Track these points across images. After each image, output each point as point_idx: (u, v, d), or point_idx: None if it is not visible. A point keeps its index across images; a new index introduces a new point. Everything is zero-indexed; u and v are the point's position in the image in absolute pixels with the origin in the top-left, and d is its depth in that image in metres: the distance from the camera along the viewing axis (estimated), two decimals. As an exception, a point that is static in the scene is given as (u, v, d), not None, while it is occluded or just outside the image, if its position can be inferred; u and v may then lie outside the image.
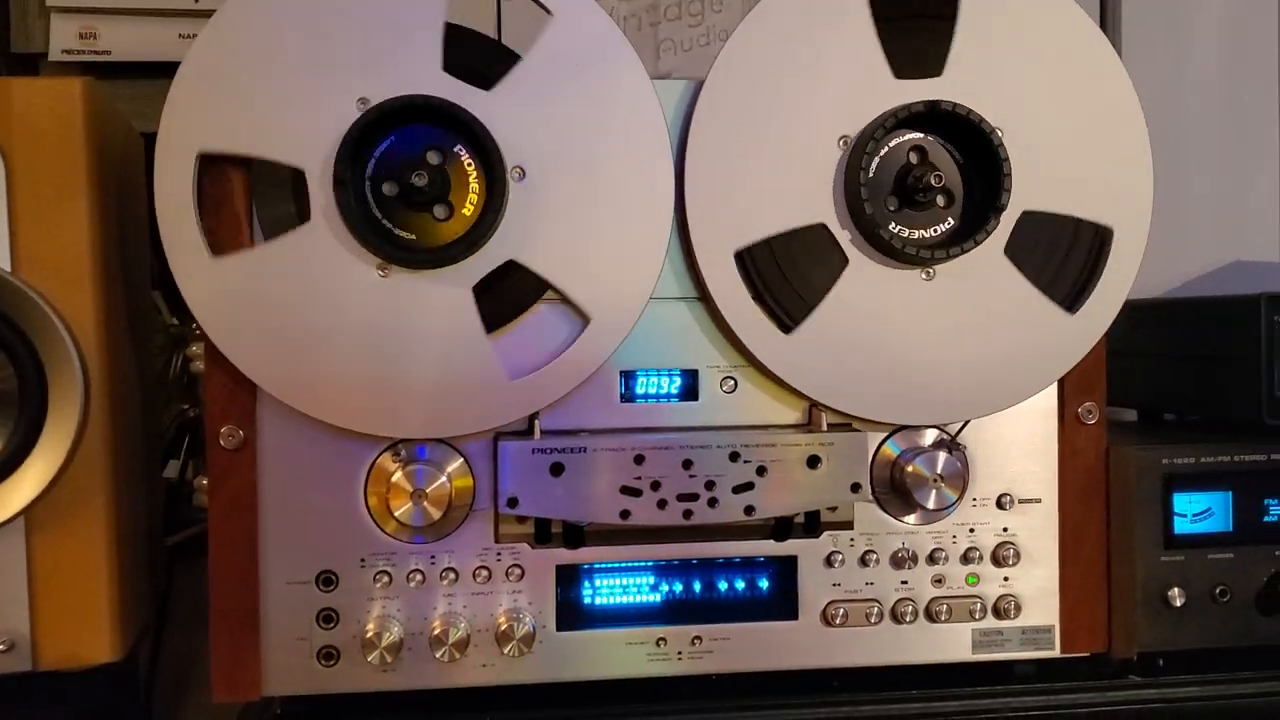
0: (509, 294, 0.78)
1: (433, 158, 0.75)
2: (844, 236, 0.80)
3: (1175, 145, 1.42)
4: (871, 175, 0.79)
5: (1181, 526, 0.85)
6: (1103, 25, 1.42)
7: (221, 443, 0.77)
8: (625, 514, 0.77)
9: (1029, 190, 0.80)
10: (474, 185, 0.76)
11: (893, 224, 0.79)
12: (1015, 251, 0.81)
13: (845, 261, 0.80)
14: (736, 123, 0.79)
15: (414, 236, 0.76)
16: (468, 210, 0.76)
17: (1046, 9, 0.82)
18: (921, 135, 0.81)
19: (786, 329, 0.79)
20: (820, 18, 0.79)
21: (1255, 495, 0.86)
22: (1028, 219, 0.81)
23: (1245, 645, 0.86)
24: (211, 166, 0.75)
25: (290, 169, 0.74)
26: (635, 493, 0.77)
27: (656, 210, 0.78)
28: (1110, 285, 0.82)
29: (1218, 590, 0.85)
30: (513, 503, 0.77)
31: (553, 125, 0.76)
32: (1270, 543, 0.86)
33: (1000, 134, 0.78)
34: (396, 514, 0.77)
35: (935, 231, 0.81)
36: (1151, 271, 1.38)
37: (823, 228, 0.79)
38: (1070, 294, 0.82)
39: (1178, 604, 0.84)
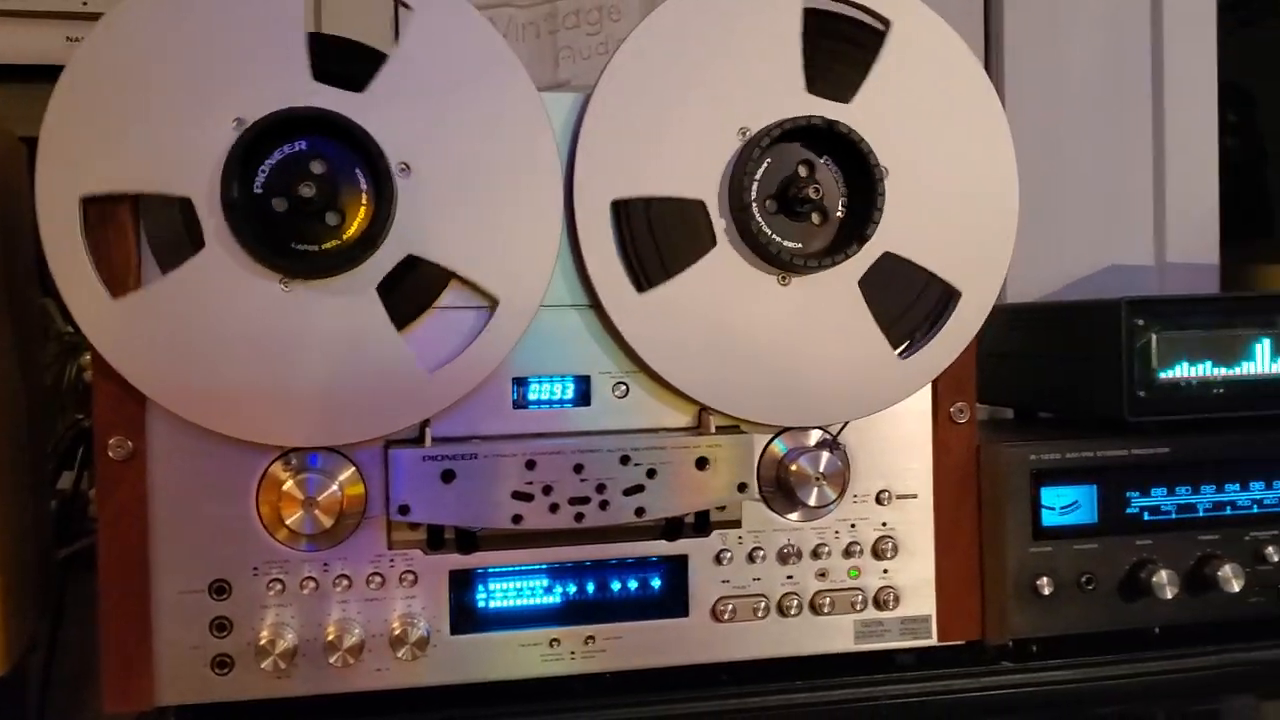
0: (413, 291, 0.79)
1: (317, 167, 0.76)
2: (719, 223, 0.82)
3: (1055, 154, 1.47)
4: (759, 176, 0.82)
5: (1049, 519, 0.90)
6: (986, 36, 1.48)
7: (110, 453, 0.77)
8: (517, 518, 0.79)
9: (897, 234, 0.84)
10: (363, 187, 0.77)
11: (766, 225, 0.82)
12: (868, 285, 0.84)
13: (713, 243, 0.82)
14: (628, 128, 0.81)
15: (314, 246, 0.77)
16: (361, 213, 0.77)
17: (958, 73, 0.86)
18: (814, 154, 0.84)
19: (641, 288, 0.81)
20: (752, 7, 0.82)
21: (1118, 489, 0.91)
22: (888, 260, 0.84)
23: (1110, 630, 0.91)
24: (95, 207, 0.75)
25: (177, 198, 0.75)
26: (527, 497, 0.79)
27: (545, 212, 0.79)
28: (946, 341, 0.86)
29: (1084, 579, 0.90)
30: (404, 510, 0.78)
31: (430, 120, 0.77)
32: (1132, 533, 0.91)
33: (885, 172, 0.82)
34: (288, 522, 0.78)
35: (803, 245, 0.83)
36: (1031, 275, 1.46)
37: (701, 205, 0.82)
38: (906, 340, 0.86)
39: (1046, 592, 0.88)
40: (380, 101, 0.77)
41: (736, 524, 0.86)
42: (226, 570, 0.79)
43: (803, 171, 0.83)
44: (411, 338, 0.79)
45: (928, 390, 0.89)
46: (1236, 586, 0.89)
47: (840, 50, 0.85)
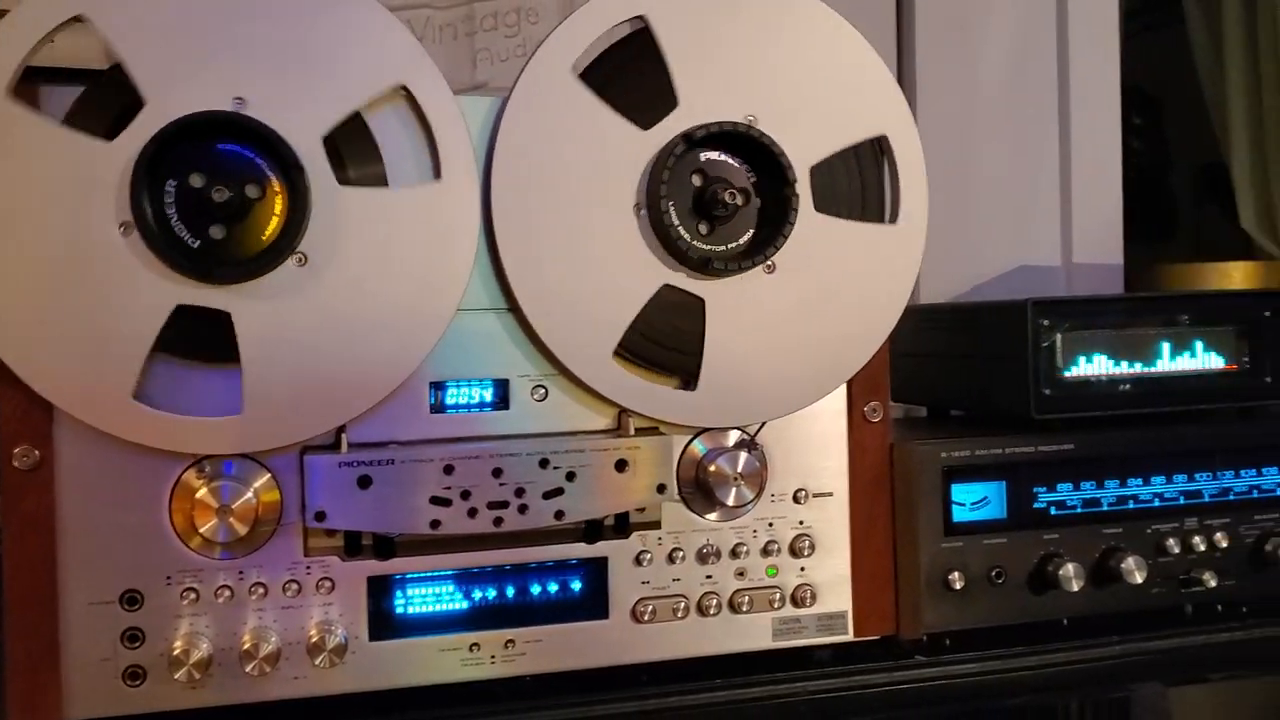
0: None
1: (227, 169, 0.75)
2: (635, 222, 0.83)
3: (966, 159, 1.50)
4: (679, 177, 0.83)
5: (960, 515, 0.92)
6: (899, 45, 1.51)
7: (15, 463, 0.75)
8: (435, 524, 0.79)
9: (807, 147, 0.85)
10: (278, 185, 0.76)
11: (681, 225, 0.82)
12: (822, 203, 0.86)
13: (703, 301, 0.84)
14: (542, 135, 0.81)
15: (237, 250, 0.76)
16: (278, 211, 0.76)
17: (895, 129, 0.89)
18: (736, 161, 0.85)
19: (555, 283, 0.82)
20: (554, 105, 0.82)
21: (1025, 484, 0.94)
22: (819, 170, 0.86)
23: (1019, 623, 0.93)
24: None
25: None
26: (445, 502, 0.79)
27: (462, 219, 0.79)
28: (859, 344, 0.89)
29: (993, 573, 0.92)
30: (320, 516, 0.77)
31: (331, 108, 0.77)
32: (1039, 527, 0.94)
33: (755, 120, 0.84)
34: (202, 530, 0.77)
35: (717, 248, 0.84)
36: (943, 276, 1.49)
37: (618, 202, 0.82)
38: (880, 210, 0.89)
39: (958, 587, 0.90)
40: (280, 101, 0.76)
41: (656, 525, 0.86)
42: (138, 580, 0.78)
43: (722, 177, 0.84)
44: (310, 352, 0.78)
45: (843, 390, 0.90)
46: (1139, 578, 0.92)
47: None
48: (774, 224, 0.84)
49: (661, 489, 0.83)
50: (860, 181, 0.89)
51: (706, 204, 0.83)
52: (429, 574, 0.83)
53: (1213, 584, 0.95)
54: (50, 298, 0.74)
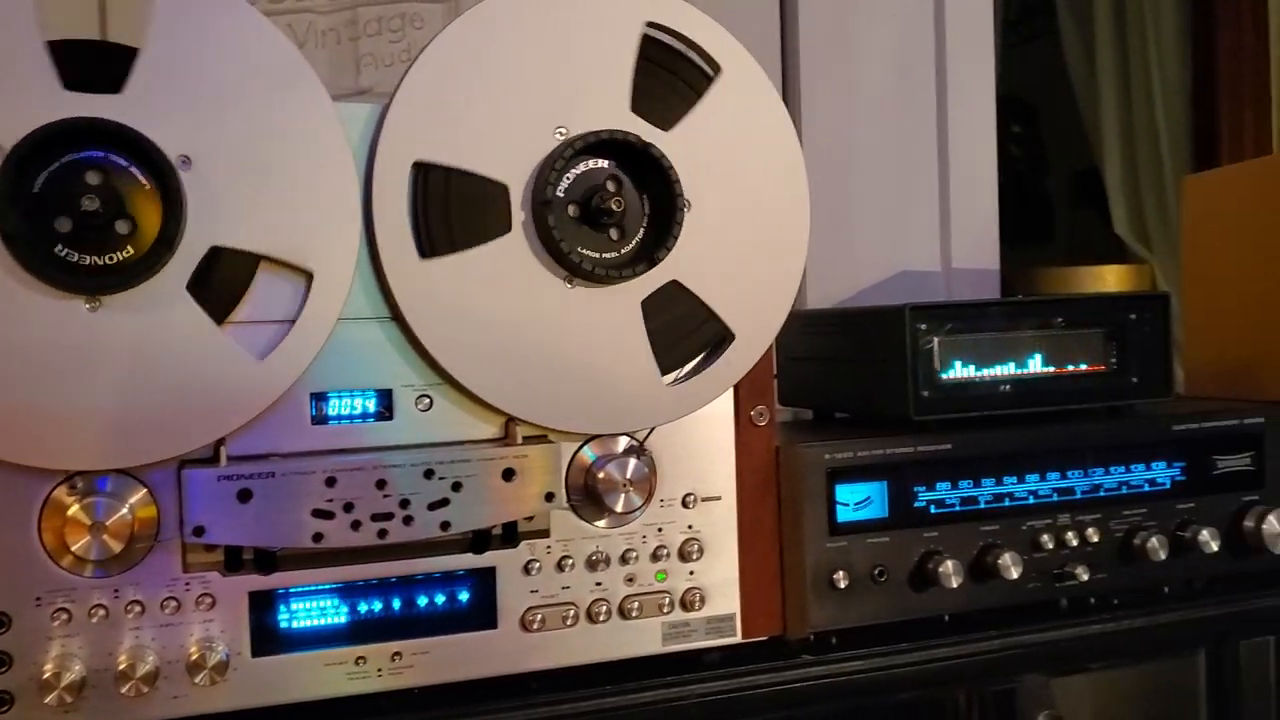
0: (222, 285, 0.77)
1: (93, 178, 0.73)
2: (519, 215, 0.82)
3: (848, 167, 1.54)
4: (569, 178, 0.83)
5: (844, 515, 0.94)
6: (783, 55, 1.53)
7: None
8: (318, 537, 0.78)
9: (688, 266, 0.86)
10: (148, 189, 0.74)
11: (564, 226, 0.82)
12: (651, 306, 0.86)
13: (507, 230, 0.83)
14: (427, 132, 0.81)
15: (111, 259, 0.73)
16: (152, 217, 0.74)
17: (772, 130, 0.90)
18: (625, 173, 0.86)
19: (425, 254, 0.81)
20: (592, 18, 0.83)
21: (906, 484, 0.96)
22: (674, 287, 0.86)
23: (902, 620, 0.95)
24: None
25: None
26: (328, 515, 0.78)
27: (342, 221, 0.79)
28: (711, 377, 0.89)
29: (876, 571, 0.94)
30: (199, 531, 0.76)
31: (201, 110, 0.75)
32: (920, 526, 0.96)
33: (688, 204, 0.85)
34: (74, 549, 0.74)
35: (596, 255, 0.85)
36: (829, 281, 1.52)
37: (504, 189, 0.82)
38: (676, 368, 0.88)
39: (842, 586, 0.92)
40: (140, 98, 0.74)
41: (545, 534, 0.86)
42: (5, 602, 0.75)
43: (610, 186, 0.84)
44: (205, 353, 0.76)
45: (730, 395, 0.91)
46: (1015, 574, 0.95)
47: (671, 81, 0.88)
48: (659, 233, 0.85)
49: (550, 497, 0.83)
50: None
51: (593, 211, 0.83)
52: (312, 588, 0.81)
53: (1085, 578, 0.99)
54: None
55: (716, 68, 0.88)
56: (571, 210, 0.84)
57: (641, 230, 0.86)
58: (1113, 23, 2.63)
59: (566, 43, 0.84)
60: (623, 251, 0.85)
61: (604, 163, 0.85)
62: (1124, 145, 2.62)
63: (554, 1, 0.84)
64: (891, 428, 0.99)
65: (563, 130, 0.83)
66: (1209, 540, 1.02)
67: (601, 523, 0.88)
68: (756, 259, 0.89)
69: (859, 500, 0.95)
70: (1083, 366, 1.05)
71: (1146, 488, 1.03)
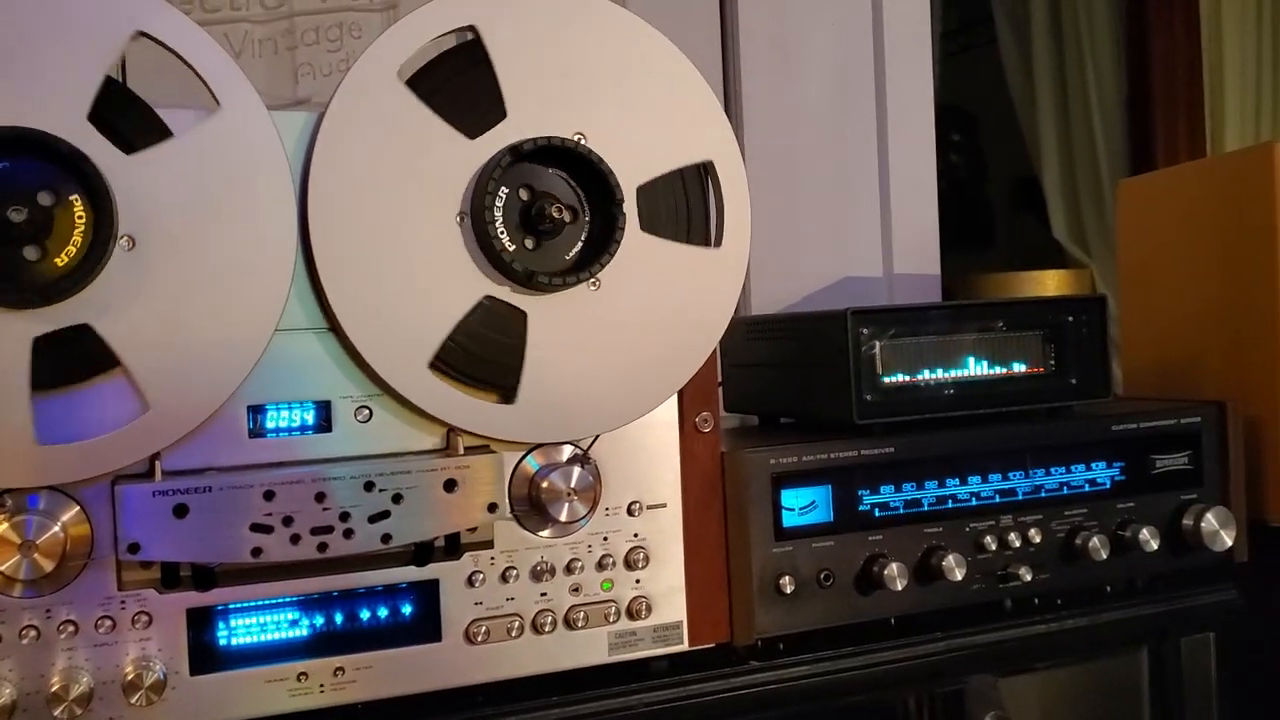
0: (78, 355, 0.74)
1: (44, 198, 0.71)
2: (460, 232, 0.82)
3: (791, 175, 1.55)
4: (508, 188, 0.82)
5: (789, 520, 0.94)
6: (724, 68, 1.54)
7: None
8: (257, 552, 0.76)
9: (635, 168, 0.86)
10: (77, 238, 0.72)
11: (506, 236, 0.82)
12: (648, 223, 0.87)
13: (525, 315, 0.83)
14: (363, 144, 0.80)
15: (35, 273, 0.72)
16: (61, 260, 0.72)
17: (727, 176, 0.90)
18: (573, 184, 0.86)
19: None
20: (380, 112, 0.81)
21: (850, 488, 0.96)
22: (646, 191, 0.87)
23: (849, 623, 0.96)
24: None
25: None
26: (266, 529, 0.77)
27: (278, 238, 0.77)
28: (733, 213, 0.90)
29: (822, 575, 0.94)
30: (133, 549, 0.74)
31: (181, 203, 0.75)
32: (864, 529, 0.96)
33: (584, 138, 0.84)
34: (3, 568, 0.72)
35: (540, 265, 0.84)
36: (772, 289, 1.53)
37: (444, 210, 0.82)
38: (705, 233, 0.90)
39: (788, 591, 0.92)
40: (140, 172, 0.74)
41: (489, 545, 0.86)
42: (-70, 626, 0.73)
43: (549, 192, 0.84)
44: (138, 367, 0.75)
45: (674, 402, 0.91)
46: (959, 575, 0.96)
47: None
48: (601, 242, 0.85)
49: (492, 508, 0.82)
50: (685, 204, 0.90)
51: (533, 219, 0.83)
52: (252, 603, 0.80)
53: (1028, 578, 1.00)
54: None
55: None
56: (513, 216, 0.83)
57: (582, 235, 0.86)
58: (1049, 32, 2.68)
59: (514, 54, 0.84)
60: (566, 257, 0.85)
61: (544, 169, 0.84)
62: (1062, 152, 2.67)
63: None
64: (835, 432, 0.99)
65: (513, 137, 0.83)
66: (1149, 539, 1.03)
67: (546, 533, 0.87)
68: (688, 276, 0.89)
69: (804, 505, 0.95)
70: (1022, 369, 1.06)
71: (1087, 488, 1.05)
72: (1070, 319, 1.07)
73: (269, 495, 0.77)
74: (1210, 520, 1.06)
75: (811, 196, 1.56)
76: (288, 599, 0.81)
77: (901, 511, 0.98)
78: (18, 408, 0.72)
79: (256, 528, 0.76)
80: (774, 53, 1.55)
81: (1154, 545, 1.04)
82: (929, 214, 1.62)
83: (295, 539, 0.77)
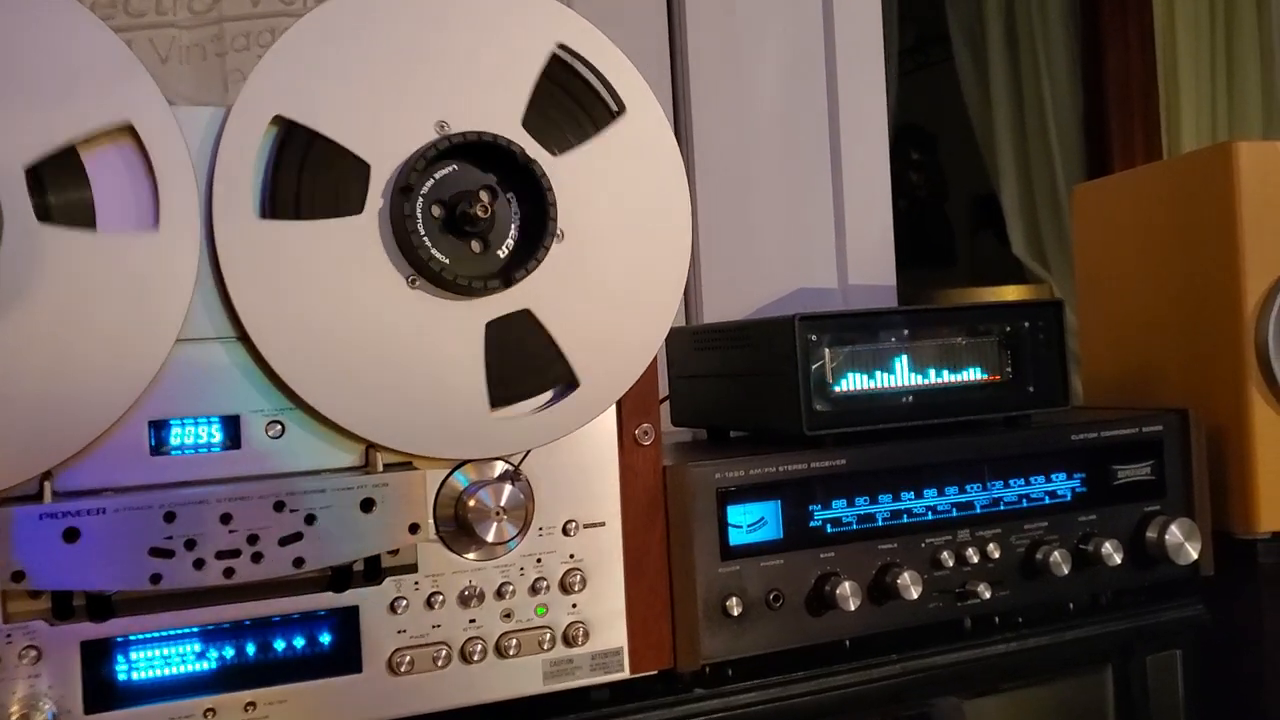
0: None
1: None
2: (376, 201, 0.77)
3: (743, 185, 1.51)
4: (437, 176, 0.78)
5: (737, 537, 0.89)
6: (673, 76, 1.50)
7: None
8: (156, 578, 0.71)
9: (547, 299, 0.81)
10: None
11: (421, 220, 0.77)
12: (496, 331, 0.80)
13: (360, 210, 0.77)
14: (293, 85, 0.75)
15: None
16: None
17: (664, 182, 0.86)
18: (502, 189, 0.81)
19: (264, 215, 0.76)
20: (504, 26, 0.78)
21: (800, 503, 0.91)
22: (526, 317, 0.81)
23: (800, 646, 0.91)
24: None
25: None
26: (167, 554, 0.71)
27: (182, 241, 0.72)
28: (545, 421, 0.83)
29: (771, 596, 0.89)
30: (18, 576, 0.68)
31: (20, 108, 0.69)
32: (815, 546, 0.92)
33: (561, 235, 0.81)
34: None
35: (502, 253, 0.80)
36: (723, 300, 1.48)
37: (365, 167, 0.77)
38: (509, 401, 0.82)
39: (736, 613, 0.87)
40: None
41: (412, 568, 0.80)
42: None
43: (483, 195, 0.79)
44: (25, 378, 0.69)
45: (612, 413, 0.86)
46: (916, 593, 0.91)
47: (572, 110, 0.83)
48: (524, 255, 0.80)
49: (414, 529, 0.77)
50: None
51: (459, 215, 0.78)
52: (154, 634, 0.74)
53: (987, 595, 0.95)
54: None
55: (621, 106, 0.84)
56: (436, 210, 0.78)
57: (506, 250, 0.81)
58: (1005, 49, 2.67)
59: (472, 40, 0.80)
60: (479, 267, 0.80)
61: (480, 175, 0.80)
62: (1019, 167, 2.66)
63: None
64: (785, 444, 0.95)
65: (444, 126, 0.78)
66: (1111, 553, 0.99)
67: (474, 555, 0.82)
68: (623, 309, 0.84)
69: (752, 521, 0.90)
70: (978, 376, 1.02)
71: (1047, 500, 1.01)
72: (1026, 324, 1.03)
73: (170, 517, 0.71)
74: (1174, 532, 1.02)
75: (763, 206, 1.52)
76: (193, 629, 0.75)
77: (854, 527, 0.93)
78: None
79: (156, 552, 0.71)
80: (723, 61, 1.51)
81: (1117, 559, 0.99)
82: (883, 222, 1.58)
83: (199, 564, 0.71)
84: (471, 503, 0.80)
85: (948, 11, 2.77)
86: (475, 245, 0.80)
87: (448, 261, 0.78)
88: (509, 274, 0.79)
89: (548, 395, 0.82)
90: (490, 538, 0.80)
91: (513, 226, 0.81)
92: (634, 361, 0.84)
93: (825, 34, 1.56)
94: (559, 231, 0.80)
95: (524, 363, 0.81)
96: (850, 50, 1.57)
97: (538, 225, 0.80)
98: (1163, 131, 2.48)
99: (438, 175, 0.78)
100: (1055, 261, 2.58)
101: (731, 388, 1.06)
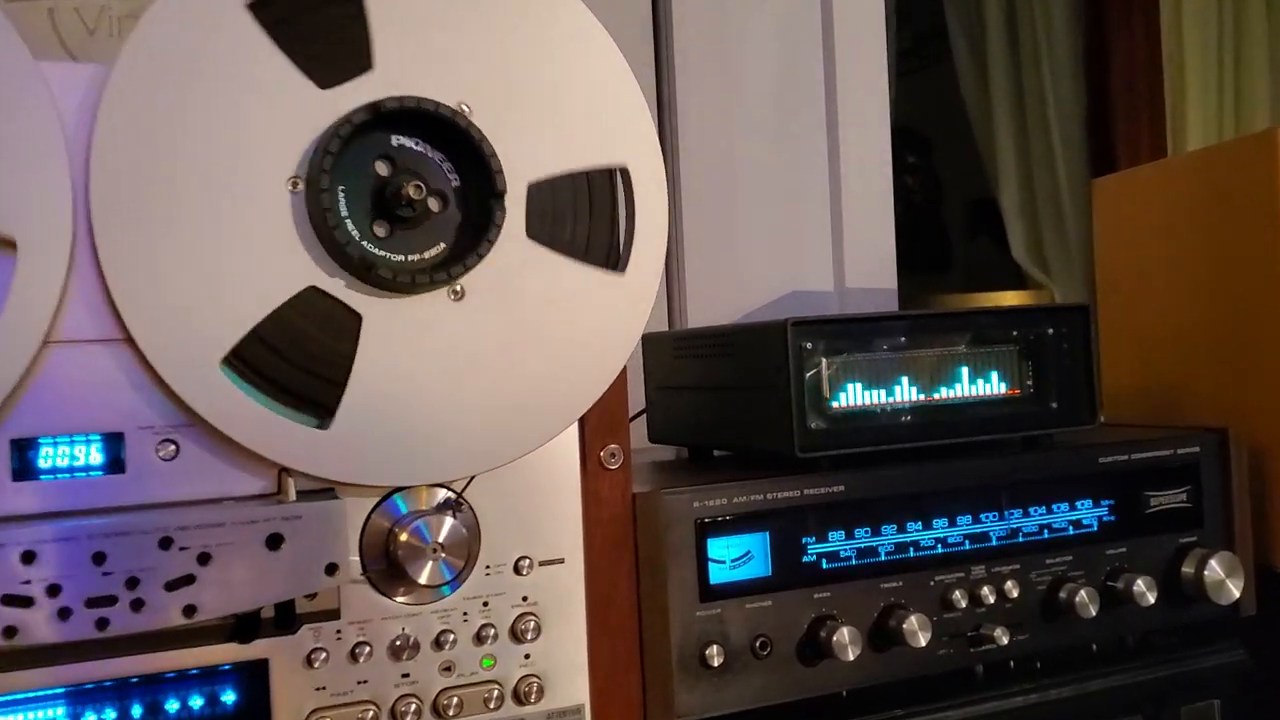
0: None
1: None
2: (340, 287, 0.65)
3: (734, 184, 1.39)
4: (344, 211, 0.65)
5: (718, 575, 0.77)
6: (656, 65, 1.38)
7: None
8: (11, 632, 0.58)
9: (529, 159, 0.69)
10: None
11: (346, 213, 0.65)
12: (537, 230, 0.70)
13: (359, 319, 0.65)
14: (175, 79, 0.63)
15: None
16: None
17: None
18: (426, 149, 0.68)
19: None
20: (205, 45, 0.64)
21: (792, 535, 0.79)
22: (540, 190, 0.70)
23: (791, 701, 0.79)
24: None
25: None
26: (25, 602, 0.58)
27: (48, 221, 0.60)
28: (645, 235, 0.73)
29: (758, 643, 0.77)
30: None
31: None
32: (810, 585, 0.80)
33: (468, 111, 0.67)
34: None
35: (408, 257, 0.67)
36: (711, 303, 1.36)
37: (314, 290, 0.64)
38: (610, 251, 0.72)
39: (716, 663, 0.75)
40: None
41: (334, 614, 0.68)
42: None
43: (384, 171, 0.67)
44: None
45: (574, 432, 0.74)
46: (923, 639, 0.79)
47: (315, 21, 0.68)
48: (471, 241, 0.68)
49: (331, 570, 0.64)
50: (589, 215, 0.73)
51: (388, 200, 0.66)
52: (15, 696, 0.62)
53: (1005, 640, 0.83)
54: None
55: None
56: (364, 194, 0.66)
57: (453, 233, 0.69)
58: (1006, 45, 2.59)
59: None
60: (425, 254, 0.68)
61: (411, 142, 0.68)
62: (1020, 168, 2.58)
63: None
64: (774, 467, 0.83)
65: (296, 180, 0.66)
66: (1144, 591, 0.87)
67: (408, 598, 0.69)
68: (584, 96, 0.72)
69: (736, 556, 0.78)
70: (995, 390, 0.90)
71: (1071, 531, 0.89)
72: (1050, 331, 0.91)
73: (28, 558, 0.58)
74: (1214, 568, 0.90)
75: (754, 199, 1.40)
76: (60, 690, 0.62)
77: (854, 563, 0.81)
78: None
79: (11, 600, 0.58)
80: (711, 38, 1.39)
81: (1150, 598, 0.87)
82: (884, 220, 1.46)
83: (64, 613, 0.59)
84: (404, 537, 0.67)
85: (945, 6, 2.68)
86: (436, 204, 0.67)
87: (378, 252, 0.65)
88: (452, 265, 0.66)
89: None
90: (425, 578, 0.67)
91: (450, 205, 0.69)
92: (600, 370, 0.72)
93: (823, 10, 1.44)
94: (504, 208, 0.68)
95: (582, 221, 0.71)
96: (850, 28, 1.45)
97: (481, 200, 0.68)
98: (1168, 128, 2.39)
99: (363, 151, 0.66)
100: (1057, 266, 2.50)
101: (715, 401, 0.93)
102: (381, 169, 0.67)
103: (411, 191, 0.65)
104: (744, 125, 1.40)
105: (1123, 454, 0.91)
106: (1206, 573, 0.90)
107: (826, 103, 1.42)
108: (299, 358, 0.64)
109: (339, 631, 0.68)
